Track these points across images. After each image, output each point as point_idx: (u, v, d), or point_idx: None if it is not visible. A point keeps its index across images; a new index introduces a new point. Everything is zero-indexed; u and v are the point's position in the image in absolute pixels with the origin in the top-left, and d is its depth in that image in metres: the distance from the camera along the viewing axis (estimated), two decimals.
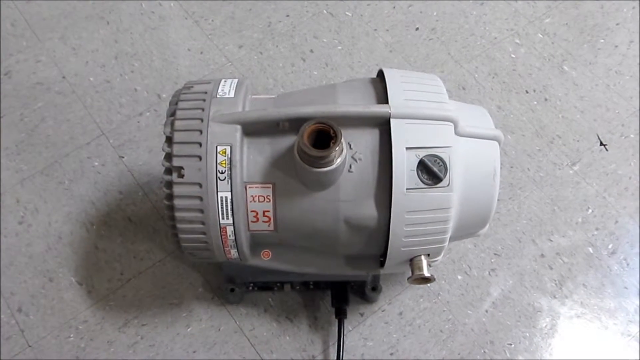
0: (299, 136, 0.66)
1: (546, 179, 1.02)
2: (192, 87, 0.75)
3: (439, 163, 0.68)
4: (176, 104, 0.73)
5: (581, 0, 1.21)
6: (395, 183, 0.68)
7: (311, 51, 1.16)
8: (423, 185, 0.68)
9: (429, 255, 0.74)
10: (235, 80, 0.76)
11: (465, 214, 0.73)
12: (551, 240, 0.97)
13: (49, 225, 0.96)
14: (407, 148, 0.68)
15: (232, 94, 0.73)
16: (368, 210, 0.70)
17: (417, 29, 1.18)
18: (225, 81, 0.75)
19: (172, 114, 0.72)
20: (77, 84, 1.10)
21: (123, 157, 1.03)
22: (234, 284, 0.87)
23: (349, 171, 0.70)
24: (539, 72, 1.13)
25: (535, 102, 1.10)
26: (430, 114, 0.70)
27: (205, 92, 0.73)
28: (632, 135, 1.06)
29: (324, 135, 0.66)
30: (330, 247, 0.76)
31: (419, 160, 0.68)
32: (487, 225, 0.79)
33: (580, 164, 1.03)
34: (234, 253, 0.75)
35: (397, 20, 1.19)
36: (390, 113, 0.69)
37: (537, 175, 1.03)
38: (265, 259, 0.78)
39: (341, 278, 0.87)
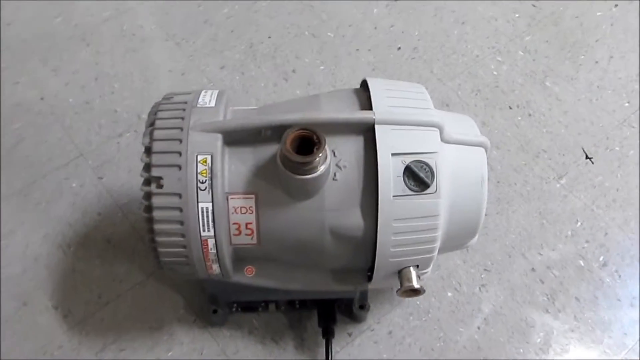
0: (281, 143, 0.64)
1: (533, 193, 1.01)
2: (171, 97, 0.73)
3: (425, 169, 0.67)
4: (155, 114, 0.71)
5: (560, 18, 1.23)
6: (381, 190, 0.66)
7: (293, 71, 1.15)
8: (410, 192, 0.66)
9: (418, 266, 0.72)
10: (216, 91, 0.74)
11: (454, 222, 0.71)
12: (541, 254, 0.95)
13: (25, 247, 0.93)
14: (392, 154, 0.66)
15: (212, 104, 0.71)
16: (354, 219, 0.68)
17: (399, 48, 1.18)
18: (205, 92, 0.74)
19: (151, 124, 0.70)
20: (56, 105, 1.09)
21: (102, 178, 1.00)
22: (217, 304, 0.84)
23: (333, 179, 0.68)
24: (521, 88, 1.13)
25: (519, 118, 1.09)
26: (415, 120, 0.68)
27: (186, 102, 0.72)
28: (617, 148, 1.05)
29: (307, 142, 0.64)
30: (316, 260, 0.73)
31: (405, 166, 0.66)
32: (477, 236, 0.77)
33: (566, 178, 1.02)
34: (215, 268, 0.72)
35: (379, 40, 1.19)
36: (374, 119, 0.67)
37: (524, 189, 1.02)
38: (249, 276, 0.76)
39: (328, 295, 0.84)
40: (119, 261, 0.92)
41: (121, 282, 0.90)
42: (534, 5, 1.25)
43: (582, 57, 1.17)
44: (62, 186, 0.99)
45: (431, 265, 0.73)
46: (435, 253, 0.71)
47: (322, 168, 0.65)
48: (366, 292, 0.84)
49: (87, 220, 0.96)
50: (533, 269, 0.94)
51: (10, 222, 0.95)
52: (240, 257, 0.74)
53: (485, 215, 0.95)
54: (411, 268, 0.71)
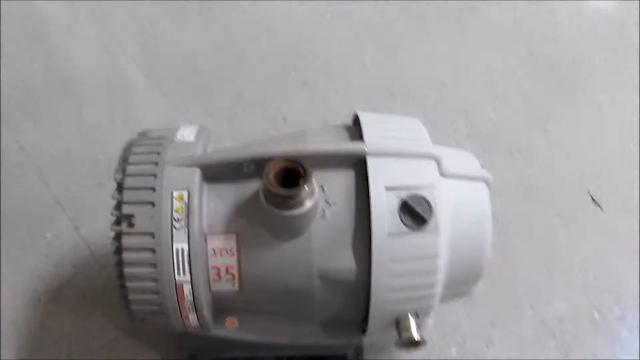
0: (264, 175, 0.58)
1: (540, 240, 0.95)
2: (147, 133, 0.68)
3: (423, 204, 0.61)
4: (129, 149, 0.66)
5: (558, 63, 1.20)
6: (374, 227, 0.60)
7: (284, 119, 1.11)
8: (406, 229, 0.60)
9: (417, 315, 0.65)
10: (196, 127, 0.69)
11: (456, 263, 0.65)
12: (551, 306, 0.88)
13: None
14: (386, 188, 0.61)
15: (191, 138, 0.66)
16: (345, 261, 0.62)
17: (392, 94, 1.15)
18: (185, 127, 0.69)
19: (124, 160, 0.65)
20: (35, 155, 1.03)
21: (79, 229, 0.94)
22: None
23: (322, 217, 0.62)
24: (521, 134, 1.09)
25: (520, 163, 1.04)
26: (410, 151, 0.63)
27: (163, 137, 0.66)
28: (625, 192, 1.00)
29: (293, 174, 0.59)
30: (305, 310, 0.66)
31: (400, 201, 0.60)
32: (481, 280, 0.70)
33: (574, 224, 0.96)
34: (193, 319, 0.65)
35: (372, 87, 1.16)
36: (366, 150, 0.62)
37: (529, 237, 0.95)
38: (231, 328, 0.69)
39: (319, 351, 0.76)
40: (92, 317, 0.85)
41: (94, 339, 0.83)
42: (531, 53, 1.22)
43: (582, 101, 1.13)
44: (35, 236, 0.93)
45: (432, 314, 0.66)
46: (437, 299, 0.64)
47: (309, 203, 0.59)
48: (361, 347, 0.76)
49: (60, 272, 0.89)
50: (543, 322, 0.86)
51: None
52: (221, 307, 0.67)
53: (490, 263, 0.91)
54: (410, 317, 0.64)
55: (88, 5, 1.29)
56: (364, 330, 0.67)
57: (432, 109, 1.12)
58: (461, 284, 0.69)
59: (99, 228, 0.94)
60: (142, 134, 0.68)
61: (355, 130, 0.68)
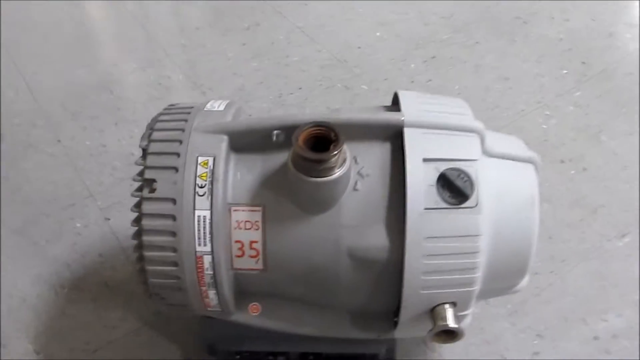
0: (293, 139, 0.54)
1: (592, 251, 0.88)
2: (176, 104, 0.66)
3: (463, 178, 0.56)
4: (157, 117, 0.63)
5: (612, 75, 1.14)
6: (410, 201, 0.55)
7: None
8: (445, 205, 0.55)
9: (455, 304, 0.59)
10: (227, 100, 0.67)
11: (499, 251, 0.59)
12: (605, 320, 0.80)
13: (13, 286, 0.84)
14: (424, 160, 0.56)
15: (221, 108, 0.63)
16: (377, 238, 0.57)
17: None
18: (215, 100, 0.66)
19: (151, 128, 0.62)
20: (72, 147, 1.03)
21: (109, 219, 0.92)
22: (217, 354, 0.71)
23: (354, 189, 0.57)
24: (573, 143, 1.03)
25: (572, 172, 0.98)
26: (451, 124, 0.58)
27: (191, 107, 0.64)
28: None
29: (323, 141, 0.55)
30: (332, 296, 0.61)
31: (439, 174, 0.56)
32: (527, 275, 0.64)
33: (630, 236, 0.89)
34: (212, 298, 0.61)
35: None
36: (403, 120, 0.58)
37: (580, 247, 0.88)
38: (253, 314, 0.64)
39: (347, 349, 0.70)
40: (114, 306, 0.81)
41: (113, 329, 0.79)
42: (584, 63, 1.17)
43: (638, 112, 1.07)
44: (65, 226, 0.91)
45: (471, 306, 0.60)
46: (477, 287, 0.58)
47: (339, 171, 0.55)
48: (394, 347, 0.70)
49: (86, 261, 0.87)
50: (596, 337, 0.79)
51: (3, 260, 0.87)
52: (243, 289, 0.63)
53: (537, 273, 0.84)
54: (446, 305, 0.58)
55: (133, 9, 1.30)
56: (395, 324, 0.62)
57: (481, 118, 1.07)
58: (503, 277, 0.63)
59: (129, 219, 0.91)
60: (172, 105, 0.66)
61: (394, 108, 0.64)
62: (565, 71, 1.15)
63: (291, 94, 1.13)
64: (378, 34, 1.24)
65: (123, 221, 0.92)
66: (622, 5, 1.33)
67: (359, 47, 1.21)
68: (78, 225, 0.91)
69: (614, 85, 1.12)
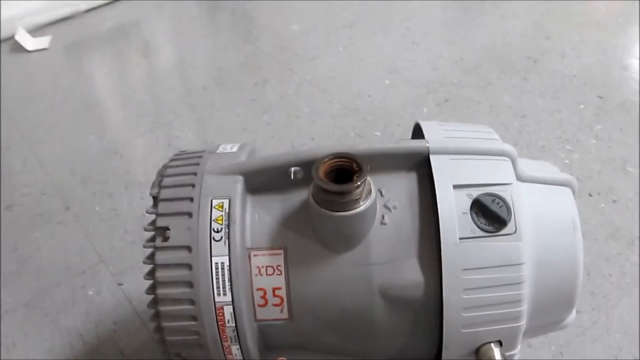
0: (313, 173, 0.51)
1: (634, 285, 0.82)
2: (185, 150, 0.63)
3: (499, 203, 0.52)
4: (167, 164, 0.60)
5: (632, 107, 1.11)
6: (443, 231, 0.51)
7: None
8: (481, 233, 0.51)
9: (500, 343, 0.54)
10: (239, 143, 0.64)
11: (544, 281, 0.54)
12: None
13: None
14: (454, 186, 0.52)
15: (234, 150, 0.61)
16: (410, 274, 0.52)
17: None
18: (226, 144, 0.63)
19: (161, 174, 0.59)
20: (81, 214, 1.00)
21: (122, 285, 0.88)
22: None
23: (381, 223, 0.53)
24: (599, 175, 0.98)
25: (602, 205, 0.93)
26: (480, 148, 0.55)
27: (203, 151, 0.61)
28: None
29: (345, 174, 0.52)
30: (365, 341, 0.56)
31: (472, 200, 0.52)
32: (574, 309, 0.59)
33: None
34: (236, 352, 0.56)
35: None
36: (428, 147, 0.55)
37: (622, 281, 0.83)
38: None
39: None
40: None
41: None
42: (600, 97, 1.14)
43: None
44: (77, 295, 0.87)
45: (519, 344, 0.55)
46: (523, 322, 0.53)
47: (364, 203, 0.51)
48: None
49: (100, 330, 0.82)
50: None
51: (12, 335, 0.82)
52: (268, 342, 0.58)
53: (578, 312, 0.78)
54: (492, 344, 0.53)
55: (140, 73, 1.30)
56: None
57: None
58: (550, 311, 0.58)
59: (142, 284, 0.87)
60: (182, 151, 0.63)
61: (415, 138, 0.61)
62: (582, 106, 1.13)
63: (303, 144, 1.10)
64: (387, 81, 1.23)
65: (136, 286, 0.88)
66: (632, 39, 1.31)
67: (370, 95, 1.20)
68: (90, 292, 0.87)
69: (634, 117, 1.09)
